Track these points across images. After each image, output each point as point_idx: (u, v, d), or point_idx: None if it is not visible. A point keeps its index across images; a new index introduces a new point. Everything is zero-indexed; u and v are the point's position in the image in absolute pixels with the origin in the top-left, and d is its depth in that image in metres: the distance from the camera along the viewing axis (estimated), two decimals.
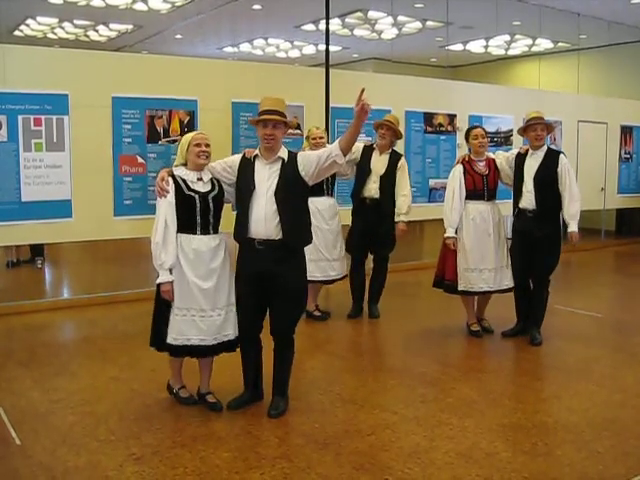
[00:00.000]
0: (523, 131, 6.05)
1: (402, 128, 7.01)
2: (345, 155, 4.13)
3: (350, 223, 7.03)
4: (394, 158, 6.77)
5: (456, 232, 6.04)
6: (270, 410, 4.33)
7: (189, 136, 4.28)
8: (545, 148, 5.97)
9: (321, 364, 5.55)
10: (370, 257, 7.08)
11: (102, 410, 4.42)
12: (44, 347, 5.92)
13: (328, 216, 6.64)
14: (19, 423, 4.19)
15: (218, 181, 4.32)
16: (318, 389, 4.86)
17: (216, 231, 4.27)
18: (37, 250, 9.55)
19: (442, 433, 4.11)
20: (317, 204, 6.43)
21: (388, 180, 6.71)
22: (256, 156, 4.27)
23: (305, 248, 5.75)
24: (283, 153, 4.25)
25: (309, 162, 4.20)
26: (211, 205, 4.21)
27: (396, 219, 6.73)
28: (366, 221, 6.79)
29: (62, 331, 6.91)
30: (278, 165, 4.21)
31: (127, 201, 7.22)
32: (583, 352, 5.86)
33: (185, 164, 4.26)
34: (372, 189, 6.73)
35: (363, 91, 3.93)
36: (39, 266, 9.55)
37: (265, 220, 4.13)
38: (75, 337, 6.74)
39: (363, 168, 6.80)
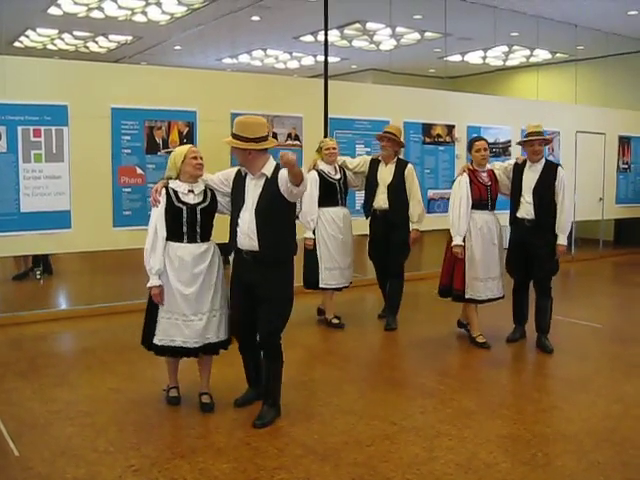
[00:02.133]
0: (522, 144, 6.17)
1: (401, 138, 7.03)
2: (298, 186, 4.16)
3: (367, 233, 7.23)
4: (400, 167, 6.83)
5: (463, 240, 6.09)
6: (255, 420, 4.37)
7: (184, 149, 4.51)
8: (543, 161, 6.08)
9: (320, 375, 5.54)
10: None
11: (101, 421, 4.41)
12: (43, 358, 5.91)
13: (343, 225, 6.82)
14: (18, 434, 4.18)
15: (212, 192, 4.54)
16: (317, 400, 4.86)
17: (204, 239, 4.48)
18: (39, 261, 9.54)
19: (441, 444, 4.11)
20: (332, 214, 6.74)
21: (396, 189, 6.76)
22: (247, 172, 4.46)
23: (320, 257, 6.65)
24: (268, 169, 4.36)
25: (282, 183, 4.28)
26: (199, 216, 4.43)
27: (411, 227, 6.83)
28: (378, 232, 6.93)
29: (61, 342, 6.90)
30: (262, 181, 4.36)
31: (126, 212, 7.24)
32: (582, 362, 5.86)
33: (177, 176, 4.48)
34: (381, 200, 6.83)
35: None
36: (38, 277, 9.53)
37: (248, 233, 4.32)
38: (74, 348, 6.74)
39: (371, 181, 6.92)
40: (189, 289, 4.39)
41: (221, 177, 4.57)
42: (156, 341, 4.45)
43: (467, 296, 6.12)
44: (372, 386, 5.25)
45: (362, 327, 7.02)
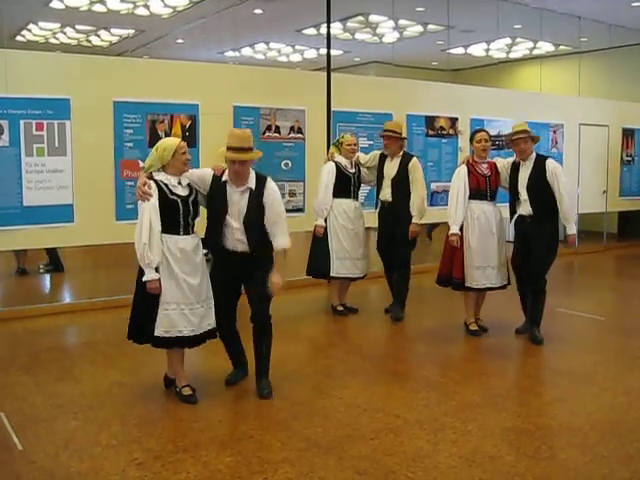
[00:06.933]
0: (511, 143, 6.24)
1: (404, 131, 7.03)
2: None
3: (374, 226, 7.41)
4: (405, 160, 6.90)
5: (460, 230, 6.17)
6: (262, 391, 4.70)
7: (173, 144, 4.48)
8: (533, 157, 6.14)
9: (323, 368, 5.54)
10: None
11: (104, 415, 4.41)
12: (46, 352, 5.91)
13: (354, 217, 7.01)
14: (21, 428, 4.18)
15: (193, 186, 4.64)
16: (320, 393, 4.86)
17: (193, 231, 4.58)
18: (50, 255, 9.54)
19: (445, 437, 4.10)
20: (344, 205, 6.95)
21: (400, 182, 6.86)
22: (226, 181, 4.61)
23: (331, 247, 6.95)
24: (251, 182, 4.62)
25: (270, 208, 4.63)
26: (191, 208, 4.52)
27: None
28: (385, 224, 7.09)
29: (64, 336, 6.90)
30: (247, 193, 4.61)
31: (129, 205, 7.23)
32: (586, 355, 5.85)
33: (161, 169, 4.48)
34: (387, 193, 6.96)
35: None
36: (42, 271, 9.54)
37: (236, 239, 4.61)
38: (77, 342, 6.74)
39: (378, 174, 7.08)
40: (195, 279, 4.49)
41: (195, 178, 4.62)
42: (161, 333, 4.44)
43: (467, 284, 6.23)
44: (376, 379, 5.24)
45: (365, 320, 7.01)
